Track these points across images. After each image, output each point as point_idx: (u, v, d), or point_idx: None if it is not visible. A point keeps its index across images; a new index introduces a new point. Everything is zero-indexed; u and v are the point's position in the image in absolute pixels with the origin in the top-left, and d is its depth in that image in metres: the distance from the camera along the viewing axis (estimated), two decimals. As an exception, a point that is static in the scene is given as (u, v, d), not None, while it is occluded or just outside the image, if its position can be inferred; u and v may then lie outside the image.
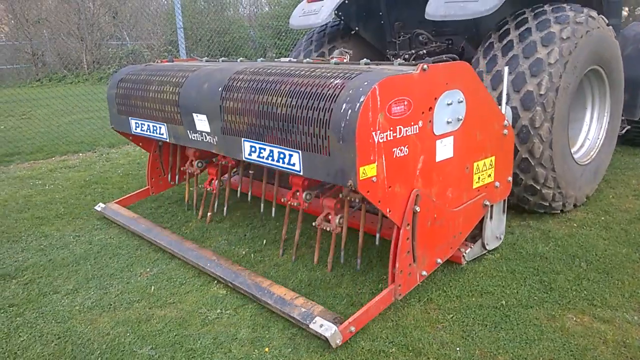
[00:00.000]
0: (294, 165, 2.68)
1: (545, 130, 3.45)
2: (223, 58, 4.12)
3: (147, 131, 3.80)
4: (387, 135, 2.38)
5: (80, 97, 10.64)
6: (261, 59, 3.84)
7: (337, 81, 2.48)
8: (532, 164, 3.52)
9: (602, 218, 3.88)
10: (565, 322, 2.61)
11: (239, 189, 3.99)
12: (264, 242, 3.66)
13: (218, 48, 14.31)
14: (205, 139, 3.26)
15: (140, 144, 4.33)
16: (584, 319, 2.64)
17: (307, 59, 3.48)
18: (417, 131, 2.52)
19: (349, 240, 3.20)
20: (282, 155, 2.74)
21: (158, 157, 4.36)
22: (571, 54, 3.51)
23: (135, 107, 3.83)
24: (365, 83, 2.33)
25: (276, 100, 2.68)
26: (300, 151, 2.60)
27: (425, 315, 2.71)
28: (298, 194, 3.08)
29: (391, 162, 2.44)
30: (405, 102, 2.42)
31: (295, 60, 3.62)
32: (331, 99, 2.41)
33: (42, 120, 8.98)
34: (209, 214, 4.07)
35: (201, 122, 3.22)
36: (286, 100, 2.62)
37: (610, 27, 4.02)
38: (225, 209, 4.02)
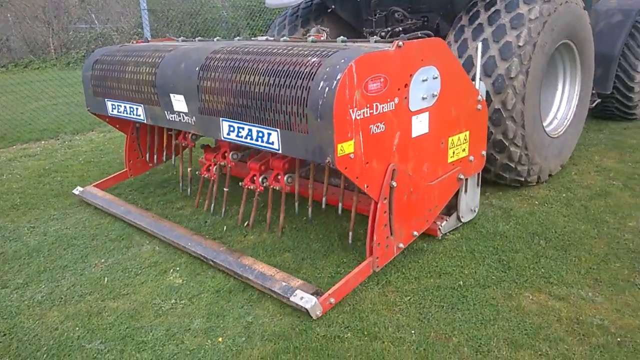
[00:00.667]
0: (272, 144, 2.72)
1: (520, 82, 3.56)
2: (199, 37, 4.09)
3: (123, 113, 3.77)
4: (364, 112, 2.43)
5: (47, 82, 10.32)
6: (238, 37, 3.82)
7: (314, 59, 2.51)
8: (504, 116, 3.59)
9: (564, 195, 3.96)
10: (522, 300, 2.63)
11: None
12: (224, 228, 3.62)
13: (190, 30, 14.03)
14: (183, 119, 3.26)
15: (117, 125, 4.29)
16: (540, 297, 2.66)
17: (284, 38, 3.49)
18: (393, 108, 2.58)
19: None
20: (260, 134, 2.77)
21: (135, 139, 4.33)
22: (550, 16, 3.69)
23: (111, 89, 3.79)
24: (342, 60, 2.37)
25: (254, 79, 2.70)
26: (279, 129, 2.64)
27: (382, 299, 2.70)
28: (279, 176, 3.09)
29: (368, 139, 2.50)
30: (382, 79, 2.47)
31: (272, 38, 3.62)
32: (308, 77, 2.44)
33: (5, 107, 8.66)
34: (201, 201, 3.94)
35: (178, 103, 3.22)
36: (264, 79, 2.64)
37: (586, 11, 4.17)
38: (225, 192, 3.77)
